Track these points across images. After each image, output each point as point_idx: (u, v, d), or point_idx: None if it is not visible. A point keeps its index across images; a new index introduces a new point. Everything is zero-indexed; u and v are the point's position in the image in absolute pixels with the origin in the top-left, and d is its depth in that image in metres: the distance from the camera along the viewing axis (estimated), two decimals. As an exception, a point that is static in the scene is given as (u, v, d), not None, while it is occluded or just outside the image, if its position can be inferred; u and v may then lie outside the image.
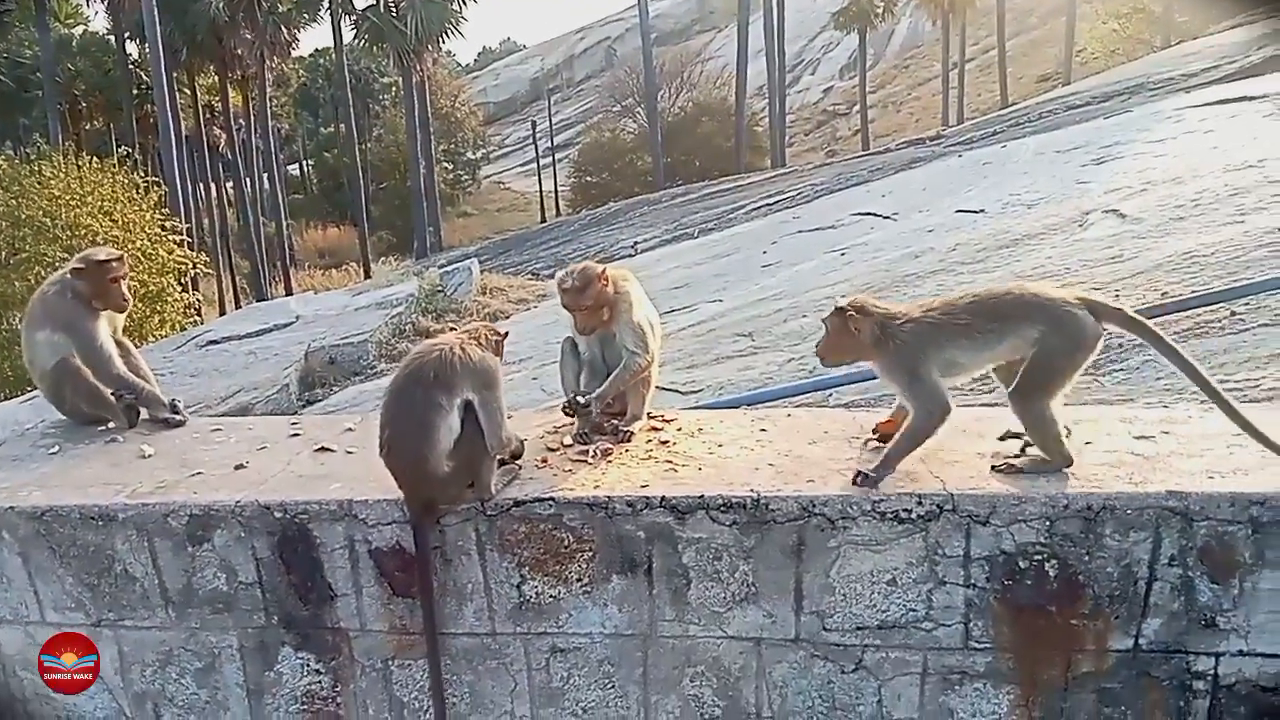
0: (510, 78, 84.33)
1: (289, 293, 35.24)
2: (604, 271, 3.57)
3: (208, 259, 29.60)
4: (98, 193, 24.83)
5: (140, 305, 24.75)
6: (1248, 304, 6.80)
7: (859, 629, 3.07)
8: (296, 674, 3.29)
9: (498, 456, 3.17)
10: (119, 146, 31.87)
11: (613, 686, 3.22)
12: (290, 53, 40.39)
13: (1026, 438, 3.16)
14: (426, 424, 3.05)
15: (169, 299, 25.66)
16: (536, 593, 3.16)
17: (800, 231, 14.68)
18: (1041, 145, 15.78)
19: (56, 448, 3.70)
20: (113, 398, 3.94)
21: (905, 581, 3.02)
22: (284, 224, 38.35)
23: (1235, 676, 3.01)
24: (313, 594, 3.22)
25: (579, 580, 3.13)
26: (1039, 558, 2.96)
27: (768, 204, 18.55)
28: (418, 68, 34.41)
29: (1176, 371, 3.17)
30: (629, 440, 3.49)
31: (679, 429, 3.60)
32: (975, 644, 3.05)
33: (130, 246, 24.93)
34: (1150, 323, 3.15)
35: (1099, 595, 2.97)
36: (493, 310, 14.65)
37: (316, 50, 65.89)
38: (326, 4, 37.41)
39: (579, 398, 3.53)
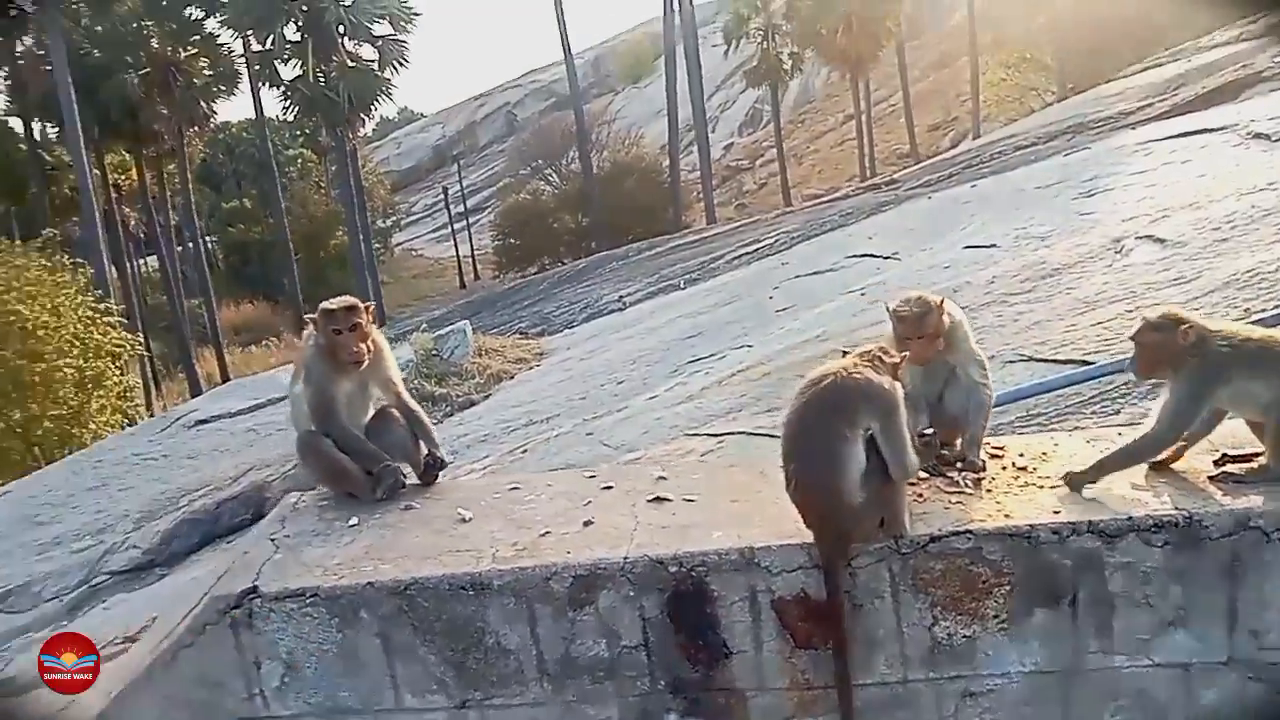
0: (412, 145, 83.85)
1: (223, 372, 33.89)
2: (942, 300, 3.42)
3: (141, 340, 28.37)
4: (22, 277, 23.65)
5: (77, 391, 23.56)
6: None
7: (1296, 644, 2.94)
8: (682, 744, 2.99)
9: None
10: (23, 230, 30.41)
11: (1027, 729, 3.01)
12: (209, 125, 39.37)
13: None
14: (833, 455, 2.85)
15: (107, 383, 24.47)
16: (948, 634, 2.95)
17: (798, 276, 14.73)
18: (1015, 183, 16.24)
19: (355, 520, 3.34)
20: (357, 469, 3.59)
21: (1344, 588, 2.91)
22: (211, 300, 37.02)
23: None
24: (703, 653, 2.95)
25: (995, 617, 2.94)
26: None
27: (745, 252, 18.65)
28: (350, 136, 33.91)
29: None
30: (984, 470, 3.32)
31: (1020, 454, 3.45)
32: None
33: (62, 331, 23.83)
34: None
35: None
36: (495, 371, 14.26)
37: (217, 125, 64.25)
38: (246, 76, 36.70)
39: (943, 449, 3.36)
